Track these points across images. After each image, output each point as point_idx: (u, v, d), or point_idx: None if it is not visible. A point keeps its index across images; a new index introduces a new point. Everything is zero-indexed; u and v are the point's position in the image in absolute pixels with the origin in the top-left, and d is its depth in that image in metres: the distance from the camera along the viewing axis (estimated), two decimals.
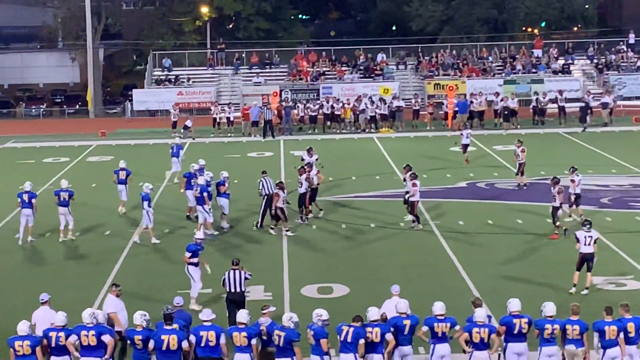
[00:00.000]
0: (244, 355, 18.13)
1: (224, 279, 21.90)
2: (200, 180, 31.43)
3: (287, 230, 31.16)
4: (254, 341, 18.18)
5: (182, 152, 42.60)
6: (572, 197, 32.41)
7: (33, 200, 31.54)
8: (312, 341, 18.05)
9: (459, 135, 45.22)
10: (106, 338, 17.89)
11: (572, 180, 32.48)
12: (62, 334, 17.99)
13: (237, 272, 21.94)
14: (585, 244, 24.35)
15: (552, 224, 30.26)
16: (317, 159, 35.48)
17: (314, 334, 17.98)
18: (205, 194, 30.92)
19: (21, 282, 26.95)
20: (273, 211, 31.02)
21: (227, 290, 21.83)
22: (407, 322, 18.48)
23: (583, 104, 55.06)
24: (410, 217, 31.92)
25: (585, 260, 24.39)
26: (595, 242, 24.42)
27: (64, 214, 31.59)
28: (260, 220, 32.24)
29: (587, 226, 24.54)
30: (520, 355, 18.37)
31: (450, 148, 46.45)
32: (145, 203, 30.86)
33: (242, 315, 18.48)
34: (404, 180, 32.59)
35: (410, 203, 31.61)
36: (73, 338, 17.98)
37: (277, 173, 42.49)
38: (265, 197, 31.96)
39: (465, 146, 43.95)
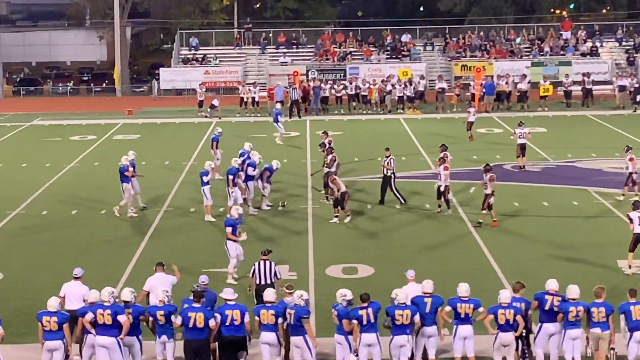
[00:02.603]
0: (271, 334, 18.21)
1: (253, 270, 21.12)
2: (234, 163, 31.21)
3: (347, 216, 30.63)
4: (280, 320, 18.25)
5: (281, 117, 45.45)
6: (634, 176, 32.17)
7: (129, 169, 31.44)
8: (336, 321, 18.09)
9: (467, 113, 45.39)
10: (122, 318, 17.95)
11: (632, 159, 32.18)
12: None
13: (267, 262, 21.14)
14: (639, 224, 24.27)
15: (481, 210, 29.73)
16: (329, 142, 35.29)
17: (338, 314, 18.04)
18: (230, 177, 30.58)
19: (49, 258, 27.08)
20: (338, 195, 30.32)
21: (257, 282, 21.00)
22: (429, 301, 18.46)
23: (637, 85, 54.99)
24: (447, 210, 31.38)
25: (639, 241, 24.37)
26: None
27: (125, 189, 31.48)
28: (400, 196, 32.13)
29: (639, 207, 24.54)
30: (552, 336, 18.38)
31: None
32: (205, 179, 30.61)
33: (270, 294, 18.51)
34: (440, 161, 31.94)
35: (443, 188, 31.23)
36: (89, 316, 18.06)
37: (303, 153, 42.53)
38: (392, 174, 32.05)
39: (471, 124, 44.59)
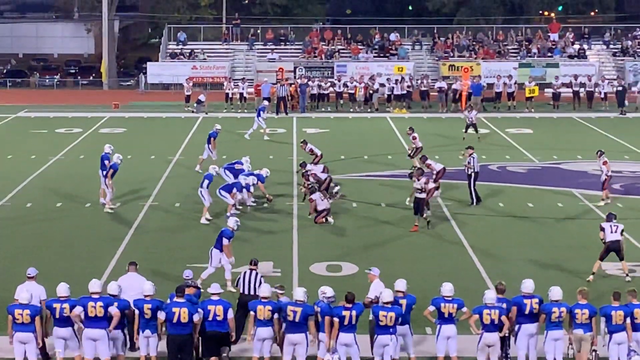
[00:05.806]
0: (267, 329, 18.22)
1: (238, 279, 20.44)
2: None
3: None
4: (276, 315, 18.22)
5: (264, 113, 45.01)
6: (607, 179, 32.10)
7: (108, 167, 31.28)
8: (319, 318, 18.09)
9: (465, 116, 45.53)
10: (112, 309, 17.94)
11: (605, 162, 32.07)
12: (66, 305, 18.02)
13: (253, 273, 20.31)
14: (611, 232, 24.11)
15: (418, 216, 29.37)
16: (310, 151, 35.44)
17: (321, 311, 18.05)
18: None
19: (33, 251, 26.97)
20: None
21: (241, 291, 20.22)
22: (404, 302, 18.45)
23: (620, 88, 55.13)
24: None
25: (613, 250, 24.09)
26: (622, 232, 24.23)
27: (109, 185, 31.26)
28: (474, 196, 31.94)
29: (613, 220, 24.43)
30: (532, 337, 18.39)
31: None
32: (206, 182, 29.91)
33: (266, 290, 18.50)
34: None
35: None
36: (78, 309, 17.98)
37: (289, 150, 42.50)
38: (474, 174, 31.82)
39: (469, 125, 44.68)
